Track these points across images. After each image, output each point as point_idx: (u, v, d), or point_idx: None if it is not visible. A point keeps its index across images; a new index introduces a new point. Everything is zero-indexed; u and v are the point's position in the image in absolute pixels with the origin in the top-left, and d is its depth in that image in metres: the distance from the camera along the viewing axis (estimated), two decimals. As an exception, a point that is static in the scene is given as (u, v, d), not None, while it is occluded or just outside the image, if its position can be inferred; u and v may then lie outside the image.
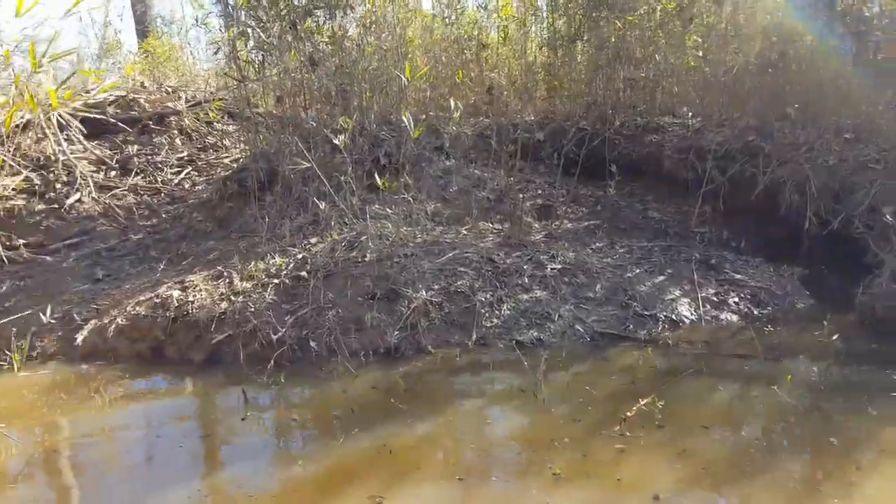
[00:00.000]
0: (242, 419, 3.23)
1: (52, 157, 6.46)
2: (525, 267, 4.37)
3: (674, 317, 4.10)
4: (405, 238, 4.74)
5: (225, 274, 4.65)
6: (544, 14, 8.20)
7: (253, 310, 4.17)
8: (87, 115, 7.13)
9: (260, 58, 5.95)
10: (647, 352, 3.70)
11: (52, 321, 4.28)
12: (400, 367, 3.65)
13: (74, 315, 4.36)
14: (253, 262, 4.72)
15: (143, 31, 13.35)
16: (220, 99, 8.23)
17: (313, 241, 5.05)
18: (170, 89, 8.36)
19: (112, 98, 7.63)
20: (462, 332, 3.89)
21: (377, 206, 5.23)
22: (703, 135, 6.14)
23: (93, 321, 4.33)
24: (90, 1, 9.64)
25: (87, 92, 7.69)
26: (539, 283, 4.23)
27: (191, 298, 4.33)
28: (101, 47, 11.48)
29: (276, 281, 4.50)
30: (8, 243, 5.57)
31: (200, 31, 10.69)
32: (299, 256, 4.78)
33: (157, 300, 4.35)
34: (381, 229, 4.97)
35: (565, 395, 3.24)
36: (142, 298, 4.42)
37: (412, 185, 5.31)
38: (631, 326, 4.00)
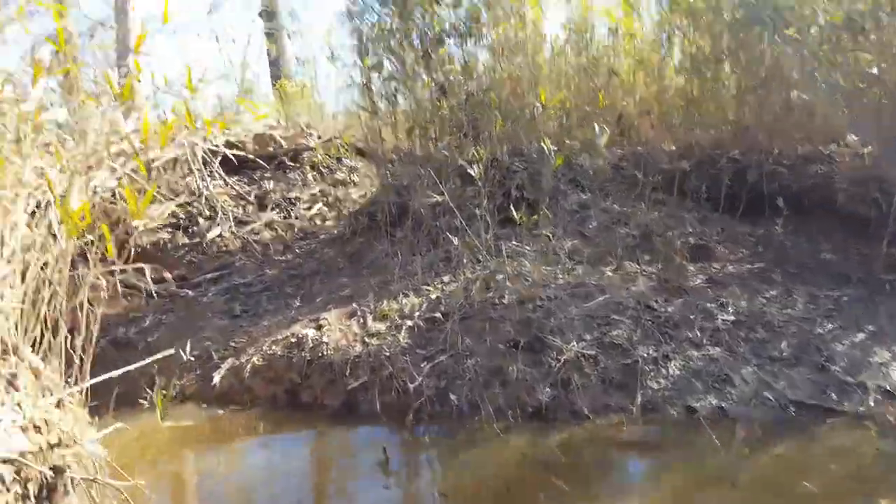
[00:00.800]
0: (385, 487, 2.95)
1: (196, 192, 6.76)
2: (691, 317, 3.84)
3: (888, 386, 3.38)
4: (545, 278, 4.36)
5: (358, 313, 4.49)
6: (679, 33, 7.66)
7: (388, 354, 3.94)
8: (228, 152, 7.45)
9: (392, 89, 5.87)
10: (867, 430, 3.04)
11: (191, 359, 4.27)
12: (553, 434, 3.24)
13: (213, 353, 4.35)
14: (386, 301, 4.53)
15: (276, 74, 14.09)
16: (350, 135, 8.34)
17: (446, 279, 4.80)
18: (303, 126, 8.58)
19: (251, 136, 7.94)
20: (623, 394, 3.42)
21: (513, 242, 4.90)
22: (885, 165, 5.30)
23: (230, 360, 4.29)
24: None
25: (229, 129, 8.07)
26: (710, 338, 3.68)
27: (325, 339, 4.19)
28: (239, 88, 12.22)
29: (409, 322, 4.26)
30: (154, 276, 5.81)
31: (331, 70, 11.02)
32: (433, 296, 4.54)
33: (293, 339, 4.25)
34: (517, 268, 4.63)
35: (772, 485, 2.67)
36: (278, 337, 4.34)
37: (548, 219, 4.93)
38: (834, 396, 3.34)
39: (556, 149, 6.10)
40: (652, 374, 3.57)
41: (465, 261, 4.83)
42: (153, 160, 6.81)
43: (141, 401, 4.02)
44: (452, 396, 3.59)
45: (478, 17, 5.74)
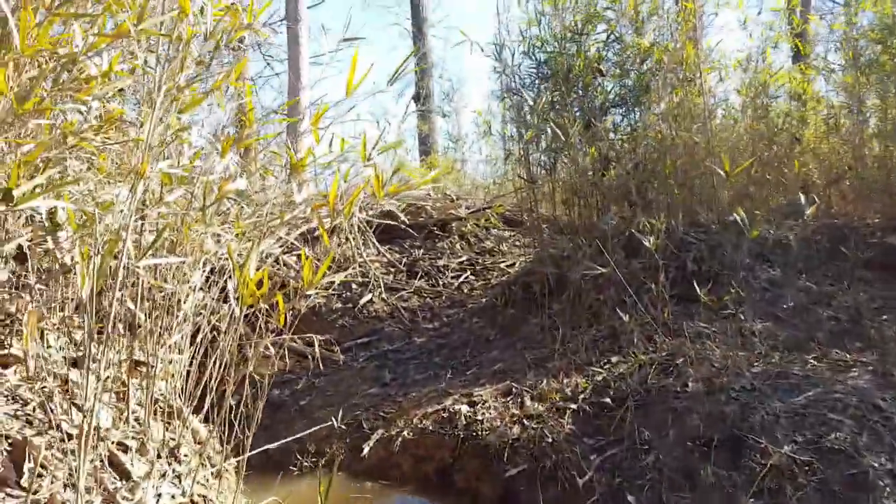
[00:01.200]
0: None
1: (351, 260, 6.88)
2: (939, 423, 3.05)
3: None
4: (738, 365, 3.73)
5: (515, 391, 4.11)
6: (874, 97, 6.82)
7: (551, 440, 3.50)
8: (382, 221, 7.60)
9: (551, 159, 5.66)
10: None
11: (343, 427, 4.10)
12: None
13: (363, 422, 4.15)
14: (545, 380, 4.12)
15: (425, 150, 14.63)
16: (500, 205, 8.24)
17: (614, 359, 4.30)
18: (453, 197, 8.62)
19: (403, 206, 8.10)
20: (854, 513, 2.71)
21: (694, 321, 4.33)
22: None
23: (379, 431, 4.05)
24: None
25: (387, 200, 8.27)
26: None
27: (479, 416, 3.84)
28: (392, 163, 12.77)
29: (573, 406, 3.81)
30: (310, 340, 5.86)
31: (480, 145, 11.20)
32: (599, 378, 4.06)
33: (445, 414, 3.94)
34: (701, 351, 4.04)
35: None
36: (428, 410, 4.06)
37: (735, 297, 4.31)
38: None
39: (730, 218, 5.51)
40: (889, 490, 2.82)
41: (635, 340, 4.32)
42: (314, 230, 7.10)
43: (291, 468, 3.88)
44: (630, 498, 3.06)
45: (647, 85, 5.44)
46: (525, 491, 3.30)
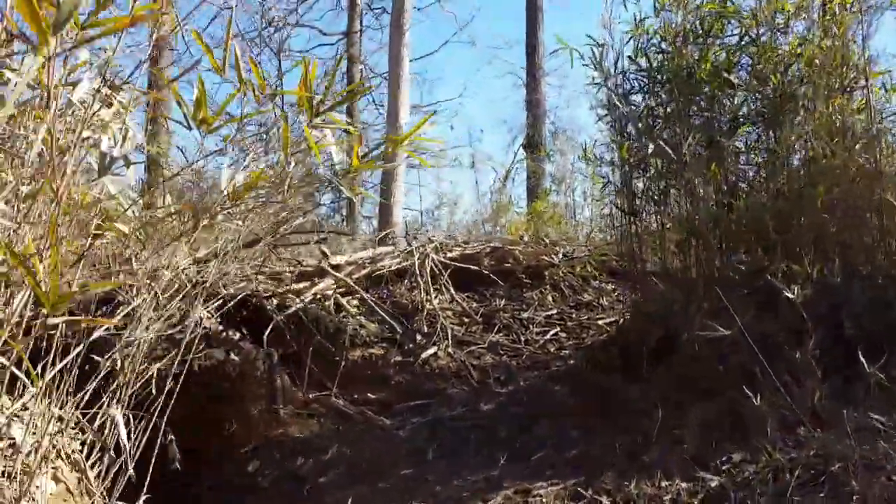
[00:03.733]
0: None
1: (420, 306, 6.01)
2: None
3: None
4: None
5: (587, 496, 2.95)
6: None
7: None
8: (461, 266, 6.71)
9: (660, 188, 4.51)
10: None
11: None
12: None
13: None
14: (634, 481, 2.93)
15: (535, 195, 13.72)
16: (602, 253, 7.07)
17: (735, 457, 3.03)
18: (547, 242, 7.56)
19: (488, 250, 7.17)
20: None
21: (861, 408, 2.98)
22: None
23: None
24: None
25: (466, 243, 7.40)
26: None
27: (535, 527, 2.72)
28: (494, 209, 12.02)
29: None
30: (357, 397, 4.99)
31: (588, 187, 10.08)
32: (713, 484, 2.82)
33: (490, 518, 2.86)
34: (870, 454, 2.70)
35: None
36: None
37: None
38: None
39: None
40: None
41: (768, 430, 3.03)
42: (375, 270, 6.33)
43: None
44: None
45: (792, 94, 4.21)
46: None
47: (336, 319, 5.56)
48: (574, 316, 6.37)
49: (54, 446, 2.01)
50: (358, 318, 5.67)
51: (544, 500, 2.90)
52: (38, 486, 1.79)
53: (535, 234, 8.38)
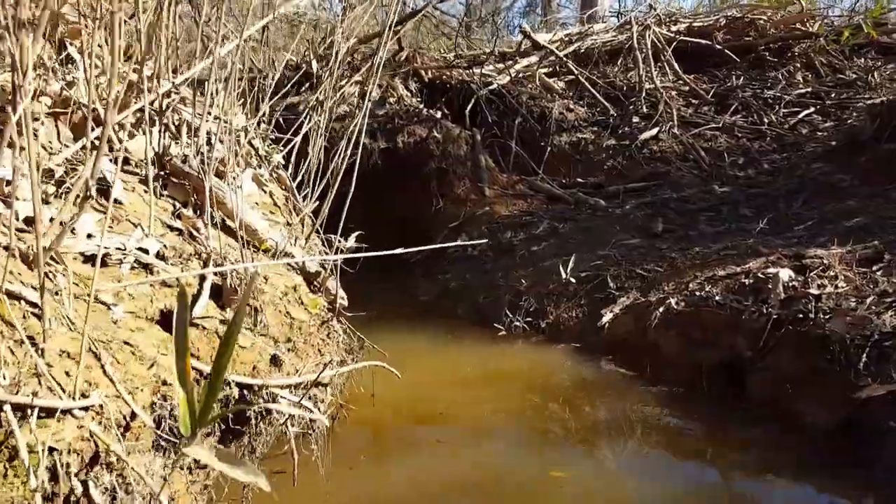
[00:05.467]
0: None
1: (637, 87, 5.19)
2: None
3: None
4: None
5: (888, 257, 2.26)
6: None
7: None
8: (689, 41, 5.62)
9: None
10: None
11: (572, 280, 2.79)
12: None
13: (608, 279, 2.76)
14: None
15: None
16: (881, 12, 5.46)
17: None
18: (803, 6, 6.01)
19: (723, 22, 5.91)
20: None
21: None
22: None
23: (631, 294, 2.64)
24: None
25: (696, 14, 6.18)
26: None
27: (814, 289, 2.14)
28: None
29: None
30: (565, 181, 4.55)
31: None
32: None
33: (747, 280, 2.34)
34: None
35: None
36: (719, 273, 2.49)
37: None
38: None
39: None
40: None
41: None
42: (585, 48, 5.51)
43: (497, 325, 2.75)
44: None
45: None
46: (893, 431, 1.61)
47: (541, 102, 5.02)
48: (833, 96, 5.11)
49: (254, 148, 1.84)
50: (565, 100, 5.07)
51: (825, 260, 2.27)
52: (235, 179, 1.62)
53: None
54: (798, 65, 5.62)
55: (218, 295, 1.29)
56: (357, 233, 2.36)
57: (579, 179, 4.52)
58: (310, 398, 1.33)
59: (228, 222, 1.49)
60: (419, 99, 4.60)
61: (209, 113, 1.61)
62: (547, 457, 1.77)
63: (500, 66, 5.04)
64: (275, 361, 1.32)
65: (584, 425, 1.97)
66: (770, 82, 5.36)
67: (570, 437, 1.88)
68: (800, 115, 4.82)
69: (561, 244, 3.34)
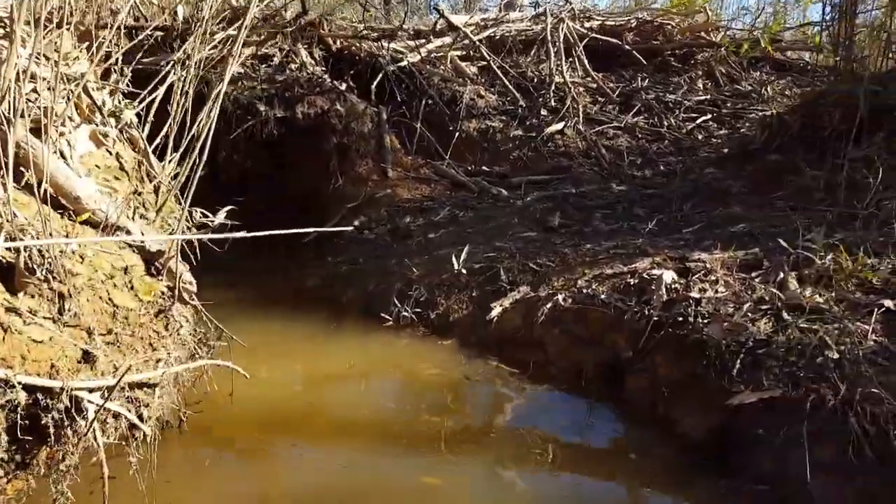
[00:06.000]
0: None
1: (548, 80, 5.18)
2: None
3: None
4: None
5: (766, 263, 2.31)
6: None
7: (835, 356, 1.74)
8: (600, 39, 5.68)
9: None
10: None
11: (463, 272, 2.70)
12: None
13: (501, 272, 2.69)
14: (832, 253, 2.24)
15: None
16: (777, 28, 5.74)
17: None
18: (709, 14, 6.21)
19: (633, 24, 6.02)
20: None
21: None
22: None
23: (522, 289, 2.58)
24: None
25: (610, 14, 6.26)
26: None
27: (695, 293, 2.15)
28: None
29: (890, 304, 1.95)
30: (471, 168, 4.46)
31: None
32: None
33: (633, 280, 2.33)
34: None
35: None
36: (607, 271, 2.47)
37: None
38: None
39: None
40: None
41: None
42: (500, 35, 5.44)
43: (384, 316, 2.61)
44: None
45: None
46: (765, 439, 1.62)
47: (452, 86, 4.90)
48: (729, 105, 5.32)
49: (94, 101, 1.58)
50: (476, 86, 4.97)
51: (707, 265, 2.29)
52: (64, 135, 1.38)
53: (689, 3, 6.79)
54: (700, 72, 5.82)
55: (8, 276, 1.06)
56: (227, 207, 2.15)
57: (485, 168, 4.45)
58: (131, 401, 1.14)
59: (46, 187, 1.25)
60: (324, 69, 4.35)
61: (40, 54, 1.36)
62: (419, 461, 1.66)
63: (413, 43, 4.87)
64: (87, 358, 1.12)
65: (460, 427, 1.88)
66: (672, 87, 5.51)
67: (446, 441, 1.78)
68: (697, 121, 4.98)
69: (459, 233, 3.25)
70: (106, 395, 1.09)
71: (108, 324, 1.22)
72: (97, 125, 1.61)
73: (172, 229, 1.88)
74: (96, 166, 1.62)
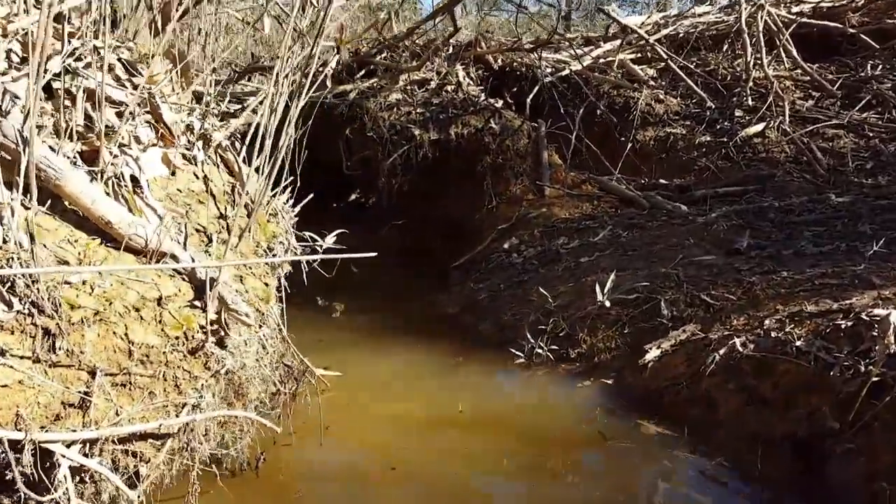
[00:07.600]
0: None
1: (744, 76, 4.41)
2: None
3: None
4: None
5: None
6: None
7: None
8: (813, 24, 4.72)
9: None
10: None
11: (611, 304, 2.23)
12: None
13: (662, 305, 2.18)
14: None
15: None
16: None
17: None
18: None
19: (860, 3, 4.94)
20: None
21: None
22: None
23: (686, 329, 2.05)
24: None
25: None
26: None
27: (944, 344, 1.48)
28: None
29: None
30: (645, 181, 3.89)
31: None
32: None
33: (843, 321, 1.71)
34: None
35: None
36: (807, 308, 1.86)
37: None
38: None
39: None
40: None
41: None
42: (681, 33, 4.75)
43: (514, 351, 2.24)
44: None
45: None
46: None
47: (625, 92, 4.38)
48: None
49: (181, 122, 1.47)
50: (654, 90, 4.38)
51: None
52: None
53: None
54: (958, 52, 4.56)
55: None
56: (338, 231, 1.97)
57: (661, 181, 3.87)
58: (131, 455, 0.94)
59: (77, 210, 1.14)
60: (482, 88, 4.13)
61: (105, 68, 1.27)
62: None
63: (580, 51, 4.45)
64: (80, 404, 0.95)
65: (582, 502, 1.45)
66: (917, 72, 4.38)
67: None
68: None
69: (617, 257, 2.76)
70: (87, 449, 0.91)
71: (122, 363, 1.06)
72: (184, 148, 1.52)
73: (264, 253, 1.75)
74: (178, 190, 1.52)
